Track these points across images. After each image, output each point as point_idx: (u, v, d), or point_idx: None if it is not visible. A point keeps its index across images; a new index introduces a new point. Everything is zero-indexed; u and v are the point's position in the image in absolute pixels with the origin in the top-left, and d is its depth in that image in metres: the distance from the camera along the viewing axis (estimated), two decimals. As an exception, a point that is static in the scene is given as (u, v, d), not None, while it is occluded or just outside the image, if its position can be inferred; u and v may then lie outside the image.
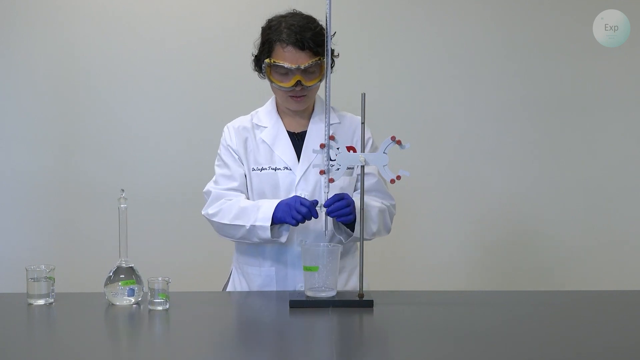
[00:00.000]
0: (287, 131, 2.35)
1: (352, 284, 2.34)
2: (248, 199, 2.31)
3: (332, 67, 2.27)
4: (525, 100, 3.66)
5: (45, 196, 3.58)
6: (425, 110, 3.64)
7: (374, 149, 2.34)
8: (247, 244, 2.31)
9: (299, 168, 2.30)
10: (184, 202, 3.52)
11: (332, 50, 2.26)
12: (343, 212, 2.13)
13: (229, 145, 2.34)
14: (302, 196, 2.24)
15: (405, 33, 3.63)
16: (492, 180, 3.67)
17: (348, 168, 2.26)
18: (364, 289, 2.06)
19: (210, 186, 2.33)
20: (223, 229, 2.28)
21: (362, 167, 2.06)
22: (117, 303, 2.03)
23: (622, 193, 3.69)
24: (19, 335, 1.85)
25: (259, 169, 2.31)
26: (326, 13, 2.07)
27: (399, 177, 2.03)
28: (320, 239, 2.23)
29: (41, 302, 2.04)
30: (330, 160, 2.06)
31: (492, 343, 1.74)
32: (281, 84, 2.24)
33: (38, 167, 3.57)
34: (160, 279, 1.99)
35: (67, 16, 3.54)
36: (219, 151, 2.37)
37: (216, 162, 2.37)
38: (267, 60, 2.24)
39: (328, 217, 2.15)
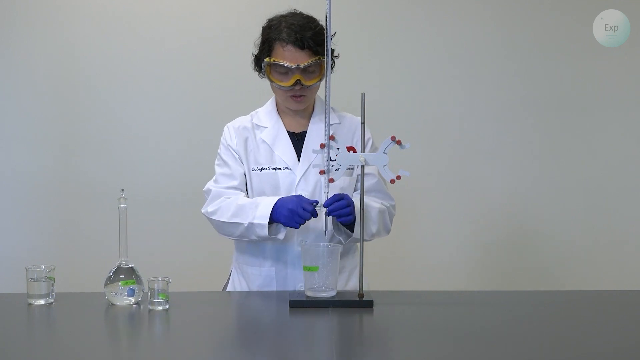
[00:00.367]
0: (287, 131, 2.35)
1: (352, 284, 2.34)
2: (248, 197, 2.31)
3: (332, 68, 2.28)
4: (525, 100, 3.66)
5: (45, 196, 3.58)
6: (425, 110, 3.64)
7: (374, 149, 2.34)
8: (247, 242, 2.31)
9: (299, 168, 2.31)
10: (184, 202, 3.52)
11: (332, 51, 2.26)
12: (343, 212, 2.13)
13: (229, 144, 2.34)
14: (303, 195, 2.24)
15: (405, 33, 3.63)
16: (492, 180, 3.67)
17: (348, 168, 2.27)
18: (364, 289, 2.06)
19: (210, 185, 2.34)
20: (222, 227, 2.28)
21: (362, 167, 2.06)
22: (117, 303, 2.03)
23: (622, 193, 3.69)
24: (19, 335, 1.85)
25: (259, 169, 2.31)
26: (326, 13, 2.07)
27: (399, 177, 2.03)
28: (320, 239, 2.23)
29: (41, 302, 2.04)
30: (330, 160, 2.06)
31: (492, 343, 1.74)
32: (281, 83, 2.24)
33: (38, 167, 3.57)
34: (160, 279, 1.99)
35: (67, 16, 3.54)
36: (219, 151, 2.37)
37: (216, 162, 2.37)
38: (267, 59, 2.24)
39: (328, 217, 2.15)
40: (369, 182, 2.32)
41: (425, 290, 2.28)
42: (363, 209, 2.07)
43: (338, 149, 2.05)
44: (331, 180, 2.08)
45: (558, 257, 3.69)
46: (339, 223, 2.21)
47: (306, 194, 2.28)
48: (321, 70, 2.24)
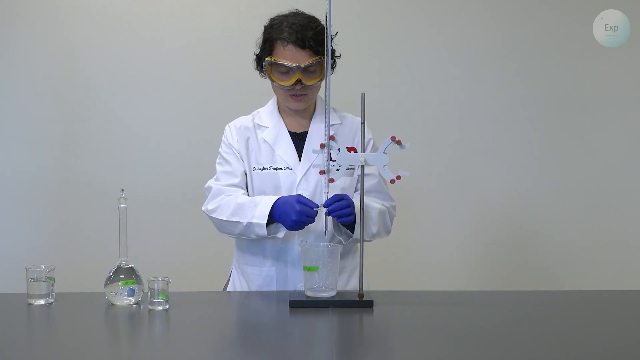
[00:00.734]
0: (289, 131, 2.35)
1: (353, 285, 2.34)
2: (248, 196, 2.31)
3: (333, 68, 2.28)
4: (525, 100, 3.66)
5: (45, 196, 3.58)
6: (425, 110, 3.64)
7: (374, 149, 2.34)
8: (247, 241, 2.31)
9: (300, 168, 2.30)
10: (184, 202, 3.52)
11: (333, 51, 2.26)
12: (343, 212, 2.13)
13: (230, 144, 2.34)
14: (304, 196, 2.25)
15: (405, 33, 3.63)
16: (492, 180, 3.67)
17: (348, 168, 2.27)
18: (365, 289, 2.06)
19: (210, 182, 2.34)
20: (221, 225, 2.28)
21: (362, 167, 2.06)
22: (117, 303, 2.03)
23: (622, 193, 3.69)
24: (19, 335, 1.85)
25: (260, 169, 2.31)
26: (326, 13, 2.07)
27: (399, 177, 2.03)
28: (321, 239, 2.23)
29: (41, 302, 2.04)
30: (331, 160, 2.06)
31: (492, 343, 1.74)
32: (281, 83, 2.24)
33: (38, 167, 3.57)
34: (160, 279, 1.99)
35: (67, 16, 3.54)
36: (220, 149, 2.37)
37: (217, 161, 2.37)
38: (267, 59, 2.24)
39: (328, 217, 2.15)
40: (369, 182, 2.32)
41: (425, 290, 2.27)
42: (363, 209, 2.07)
43: (339, 149, 2.05)
44: (331, 180, 2.08)
45: (558, 257, 3.69)
46: (339, 223, 2.21)
47: (307, 194, 2.28)
48: (322, 70, 2.24)
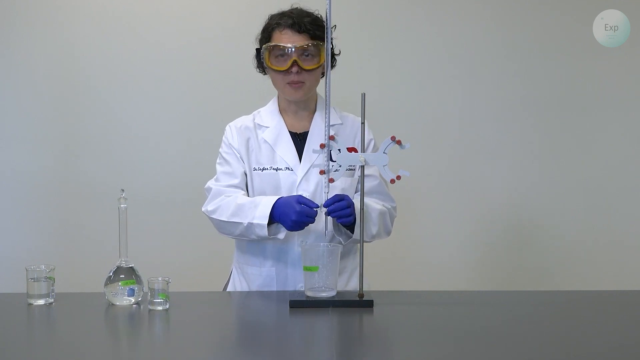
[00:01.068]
0: (289, 131, 2.35)
1: (353, 285, 2.34)
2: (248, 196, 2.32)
3: (333, 66, 2.27)
4: (525, 100, 3.66)
5: (45, 196, 3.58)
6: (425, 110, 3.64)
7: (375, 150, 2.34)
8: (247, 241, 2.31)
9: (301, 168, 2.30)
10: (184, 202, 3.52)
11: (332, 49, 2.26)
12: (343, 212, 2.13)
13: (230, 144, 2.34)
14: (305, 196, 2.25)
15: (405, 33, 3.63)
16: (492, 180, 3.67)
17: (349, 169, 2.27)
18: (365, 289, 2.06)
19: (210, 183, 2.34)
20: (221, 226, 2.28)
21: (362, 167, 2.06)
22: (117, 303, 2.03)
23: (622, 193, 3.69)
24: (19, 335, 1.85)
25: (260, 169, 2.31)
26: (326, 13, 2.07)
27: (399, 177, 2.03)
28: (321, 240, 2.23)
29: (41, 302, 2.04)
30: (331, 160, 2.06)
31: (492, 343, 1.74)
32: (278, 68, 2.24)
33: (38, 167, 3.57)
34: (160, 279, 1.99)
35: (67, 16, 3.54)
36: (220, 149, 2.37)
37: (217, 161, 2.37)
38: (264, 45, 2.25)
39: (328, 217, 2.14)
40: (370, 183, 2.32)
41: (425, 290, 2.27)
42: (363, 209, 2.07)
43: (339, 150, 2.05)
44: (331, 180, 2.08)
45: (558, 257, 3.69)
46: (339, 224, 2.21)
47: (307, 194, 2.28)
48: (320, 56, 2.24)
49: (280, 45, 2.21)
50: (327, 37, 2.11)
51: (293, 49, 2.21)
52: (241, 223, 2.21)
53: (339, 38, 2.32)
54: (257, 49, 2.33)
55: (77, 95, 3.57)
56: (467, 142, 3.66)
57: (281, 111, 2.38)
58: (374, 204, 2.29)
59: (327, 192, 2.11)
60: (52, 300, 2.06)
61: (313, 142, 2.30)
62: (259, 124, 2.36)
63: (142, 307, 2.03)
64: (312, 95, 2.35)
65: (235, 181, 2.31)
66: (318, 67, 2.25)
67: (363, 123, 2.07)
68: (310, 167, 2.29)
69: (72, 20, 3.54)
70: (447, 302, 2.12)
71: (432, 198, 3.66)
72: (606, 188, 3.68)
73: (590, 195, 3.69)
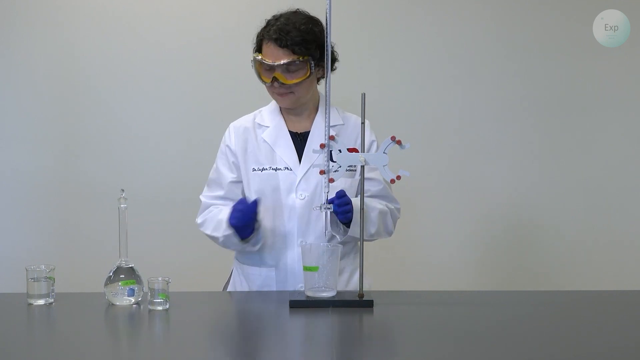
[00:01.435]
0: (290, 131, 2.35)
1: (353, 285, 2.34)
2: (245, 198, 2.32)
3: (332, 70, 2.26)
4: (525, 100, 3.65)
5: (45, 196, 3.58)
6: (425, 110, 3.63)
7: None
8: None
9: (300, 168, 2.30)
10: (184, 202, 3.50)
11: (333, 52, 2.26)
12: (347, 208, 2.15)
13: (227, 145, 2.35)
14: (302, 197, 2.26)
15: (405, 33, 3.62)
16: (492, 180, 3.67)
17: (348, 169, 2.27)
18: (365, 289, 2.06)
19: (203, 193, 2.39)
20: (210, 238, 2.33)
21: (362, 167, 2.06)
22: (117, 303, 2.03)
23: (622, 193, 3.69)
24: (19, 335, 1.85)
25: (260, 169, 2.31)
26: (326, 13, 2.07)
27: (399, 177, 2.03)
28: (320, 239, 2.23)
29: (41, 302, 2.04)
30: (331, 160, 2.06)
31: (492, 343, 1.74)
32: (264, 79, 2.26)
33: (38, 167, 3.57)
34: (160, 279, 1.99)
35: (67, 16, 3.54)
36: (219, 148, 2.39)
37: (215, 160, 2.40)
38: (254, 55, 2.26)
39: (328, 217, 2.14)
40: (374, 188, 2.33)
41: (425, 290, 2.28)
42: (363, 209, 2.07)
43: (340, 151, 2.05)
44: (331, 181, 2.08)
45: (558, 257, 3.69)
46: (337, 220, 2.21)
47: (306, 194, 2.28)
48: (306, 70, 2.23)
49: (262, 61, 2.23)
50: (327, 37, 2.10)
51: (275, 65, 2.21)
52: (218, 237, 2.27)
53: (339, 38, 2.31)
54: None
55: (77, 95, 3.57)
56: (467, 142, 3.66)
57: (282, 111, 2.38)
58: (375, 204, 2.29)
59: (327, 192, 2.11)
60: (52, 300, 2.06)
61: (314, 142, 2.30)
62: (259, 124, 2.36)
63: (142, 307, 2.03)
64: (312, 95, 2.35)
65: (221, 192, 2.35)
66: (303, 80, 2.24)
67: (363, 123, 2.07)
68: (310, 167, 2.29)
69: (72, 20, 3.54)
70: (447, 302, 2.12)
71: (432, 198, 3.66)
72: (606, 188, 3.68)
73: (590, 195, 3.68)
